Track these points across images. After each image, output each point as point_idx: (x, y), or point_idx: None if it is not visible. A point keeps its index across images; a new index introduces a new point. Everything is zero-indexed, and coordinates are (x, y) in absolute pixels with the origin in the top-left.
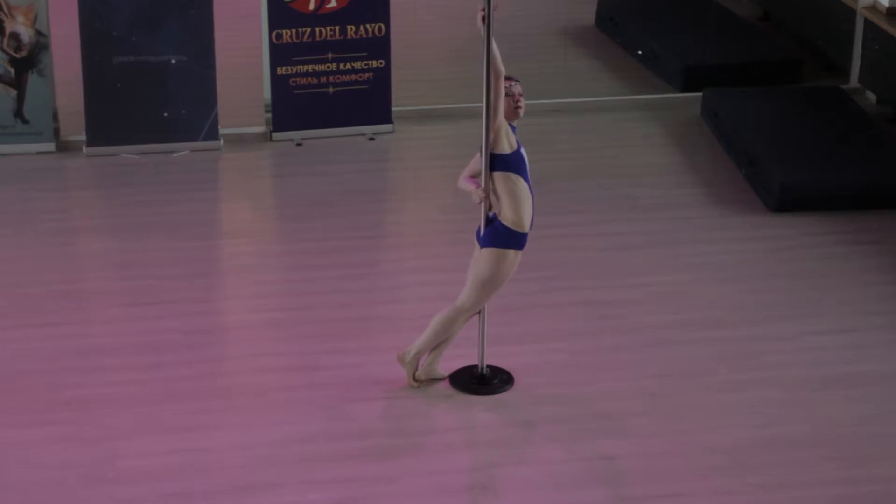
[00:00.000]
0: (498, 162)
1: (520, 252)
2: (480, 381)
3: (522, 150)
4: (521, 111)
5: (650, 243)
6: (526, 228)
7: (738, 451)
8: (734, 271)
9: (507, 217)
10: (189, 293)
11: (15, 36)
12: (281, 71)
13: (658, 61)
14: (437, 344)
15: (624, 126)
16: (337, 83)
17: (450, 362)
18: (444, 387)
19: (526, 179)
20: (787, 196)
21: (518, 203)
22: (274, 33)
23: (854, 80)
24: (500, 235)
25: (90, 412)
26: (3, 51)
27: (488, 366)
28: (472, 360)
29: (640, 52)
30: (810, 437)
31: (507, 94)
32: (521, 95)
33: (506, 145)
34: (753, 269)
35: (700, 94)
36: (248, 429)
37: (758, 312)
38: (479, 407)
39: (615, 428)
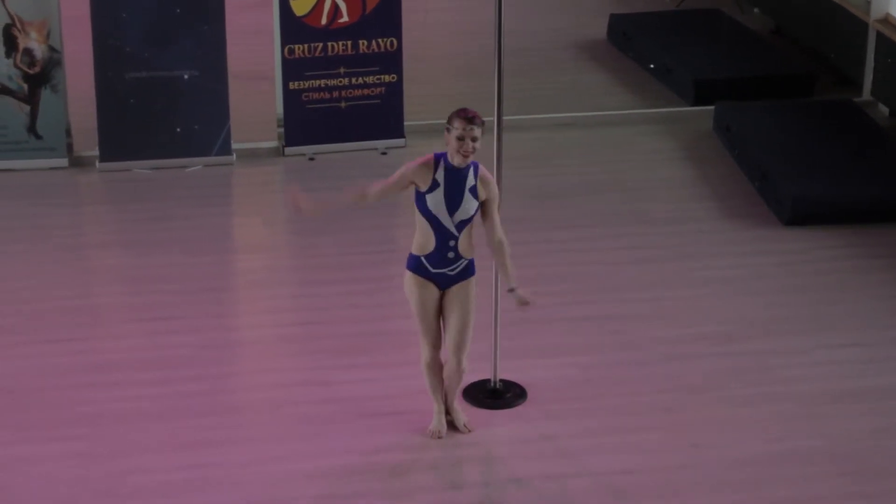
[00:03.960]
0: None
1: (414, 275)
2: (493, 395)
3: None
4: (466, 158)
5: (662, 257)
6: (415, 251)
7: (752, 465)
8: (747, 285)
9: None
10: (202, 308)
11: (28, 52)
12: (293, 86)
13: (670, 75)
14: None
15: (636, 140)
16: (349, 98)
17: (465, 376)
18: (458, 401)
19: (426, 214)
20: (799, 209)
21: (417, 233)
22: (286, 48)
23: (867, 94)
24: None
25: (103, 428)
26: (17, 67)
27: (501, 380)
28: (485, 375)
29: (652, 66)
30: (824, 451)
31: (457, 138)
32: (472, 140)
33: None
34: (766, 283)
35: (712, 107)
36: (260, 444)
37: (771, 326)
38: (493, 421)
39: (628, 442)
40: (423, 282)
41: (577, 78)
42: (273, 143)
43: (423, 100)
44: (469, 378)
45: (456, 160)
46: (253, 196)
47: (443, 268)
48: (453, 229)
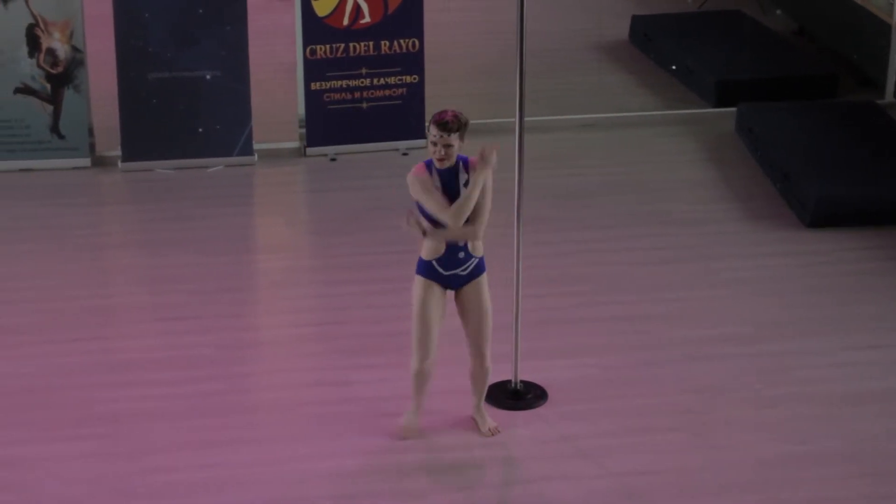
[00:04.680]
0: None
1: (423, 278)
2: (514, 396)
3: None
4: (443, 162)
5: (684, 258)
6: (427, 257)
7: (771, 466)
8: (768, 286)
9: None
10: (221, 308)
11: (51, 52)
12: (315, 86)
13: (692, 76)
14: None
15: (658, 141)
16: (371, 98)
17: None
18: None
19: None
20: (821, 211)
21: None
22: (308, 49)
23: (889, 95)
24: None
25: (121, 427)
26: (40, 67)
27: (522, 381)
28: (505, 376)
29: (673, 67)
30: (844, 452)
31: (431, 143)
32: (444, 146)
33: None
34: (788, 284)
35: (734, 108)
36: (278, 444)
37: (792, 327)
38: (513, 422)
39: (649, 443)
40: (429, 283)
41: (599, 79)
42: (294, 144)
43: (444, 101)
44: (490, 379)
45: (435, 163)
46: (274, 196)
47: (455, 268)
48: None
